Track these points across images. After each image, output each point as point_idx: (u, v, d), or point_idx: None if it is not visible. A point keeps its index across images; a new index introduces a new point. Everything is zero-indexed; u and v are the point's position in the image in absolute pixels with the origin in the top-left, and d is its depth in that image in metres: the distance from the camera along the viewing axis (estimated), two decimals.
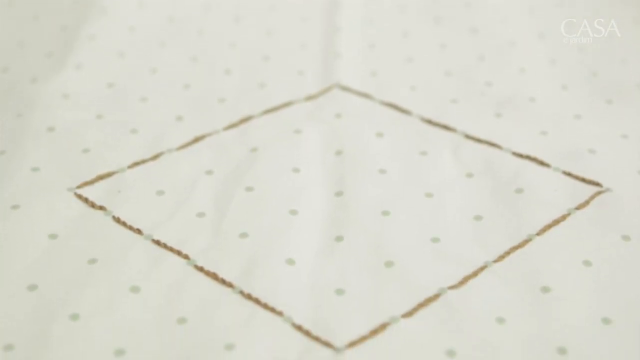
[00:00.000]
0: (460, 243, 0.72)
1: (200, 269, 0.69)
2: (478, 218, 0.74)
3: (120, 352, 0.63)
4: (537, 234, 0.73)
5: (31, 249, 0.71)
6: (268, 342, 0.64)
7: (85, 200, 0.75)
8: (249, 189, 0.77)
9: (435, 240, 0.72)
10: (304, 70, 0.93)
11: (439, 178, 0.79)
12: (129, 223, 0.73)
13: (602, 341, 0.64)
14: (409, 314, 0.66)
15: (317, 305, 0.67)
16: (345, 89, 0.90)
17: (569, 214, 0.75)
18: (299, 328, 0.65)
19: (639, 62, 0.95)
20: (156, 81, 0.91)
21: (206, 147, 0.82)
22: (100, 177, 0.78)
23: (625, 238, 0.72)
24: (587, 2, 1.04)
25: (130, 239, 0.72)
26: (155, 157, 0.81)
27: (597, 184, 0.78)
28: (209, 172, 0.79)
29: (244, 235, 0.72)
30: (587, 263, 0.70)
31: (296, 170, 0.79)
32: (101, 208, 0.75)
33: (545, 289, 0.68)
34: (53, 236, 0.72)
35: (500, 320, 0.65)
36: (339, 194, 0.77)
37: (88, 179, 0.78)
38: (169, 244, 0.71)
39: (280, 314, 0.66)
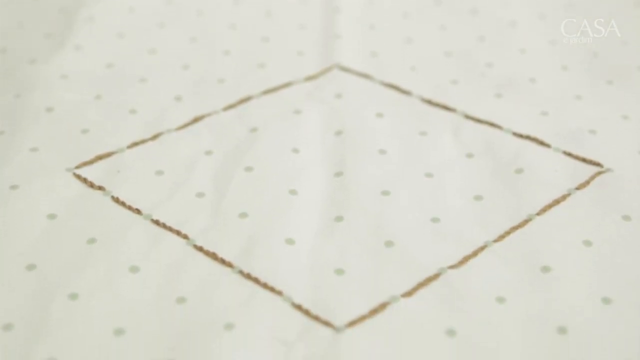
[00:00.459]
0: (460, 223, 0.72)
1: (200, 249, 0.69)
2: (478, 198, 0.74)
3: (119, 331, 0.63)
4: (538, 214, 0.73)
5: (30, 229, 0.71)
6: (268, 321, 0.64)
7: (84, 180, 0.75)
8: (249, 169, 0.77)
9: (435, 220, 0.72)
10: (303, 51, 0.93)
11: (439, 158, 0.79)
12: (128, 203, 0.73)
13: (602, 321, 0.64)
14: (408, 294, 0.66)
15: (317, 285, 0.67)
16: (345, 69, 0.90)
17: (569, 194, 0.74)
18: (298, 308, 0.65)
19: (639, 43, 0.95)
20: (155, 62, 0.91)
21: (205, 127, 0.82)
22: (99, 158, 0.78)
23: (626, 218, 0.72)
24: None
25: (129, 219, 0.72)
26: (154, 138, 0.80)
27: (598, 164, 0.77)
28: (209, 153, 0.79)
29: (243, 215, 0.72)
30: (587, 243, 0.70)
31: (296, 150, 0.79)
32: (100, 188, 0.75)
33: (546, 269, 0.68)
34: (52, 216, 0.72)
35: (500, 300, 0.65)
36: (338, 174, 0.77)
37: (87, 159, 0.78)
38: (168, 224, 0.71)
39: (279, 293, 0.66)
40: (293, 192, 0.75)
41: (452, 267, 0.68)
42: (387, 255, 0.69)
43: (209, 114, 0.83)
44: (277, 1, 1.00)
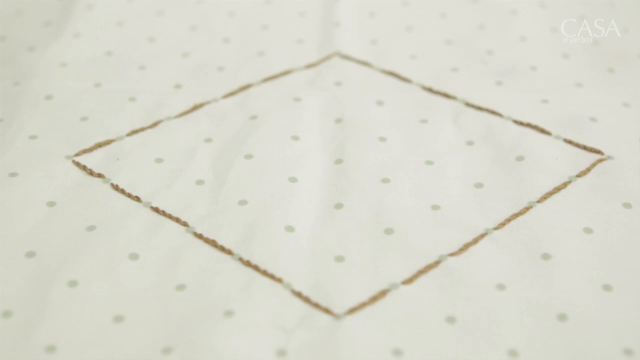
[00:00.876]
0: (461, 210, 0.72)
1: (200, 236, 0.69)
2: (479, 185, 0.74)
3: (119, 318, 0.63)
4: (538, 202, 0.72)
5: (29, 216, 0.71)
6: (267, 308, 0.64)
7: (84, 167, 0.75)
8: (248, 156, 0.77)
9: (435, 207, 0.72)
10: (303, 39, 0.92)
11: (439, 146, 0.79)
12: (127, 190, 0.73)
13: (603, 308, 0.64)
14: (409, 281, 0.66)
15: (317, 272, 0.67)
16: (345, 57, 0.90)
17: (569, 182, 0.74)
18: (298, 294, 0.65)
19: None
20: (155, 49, 0.91)
21: (205, 115, 0.82)
22: (99, 145, 0.78)
23: (626, 205, 0.72)
24: None
25: (128, 206, 0.72)
26: (154, 125, 0.80)
27: (598, 152, 0.77)
28: (208, 140, 0.79)
29: (243, 202, 0.72)
30: (587, 230, 0.70)
31: (296, 137, 0.79)
32: (99, 175, 0.75)
33: (546, 256, 0.68)
34: (51, 203, 0.72)
35: (501, 287, 0.65)
36: (338, 161, 0.77)
37: (86, 146, 0.77)
38: (167, 211, 0.71)
39: (279, 280, 0.66)
40: (293, 179, 0.75)
41: (452, 254, 0.68)
42: (387, 242, 0.69)
43: (208, 102, 0.83)
44: None
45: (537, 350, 0.61)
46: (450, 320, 0.63)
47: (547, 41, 0.93)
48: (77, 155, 0.77)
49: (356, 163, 0.76)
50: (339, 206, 0.72)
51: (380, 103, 0.83)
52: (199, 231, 0.70)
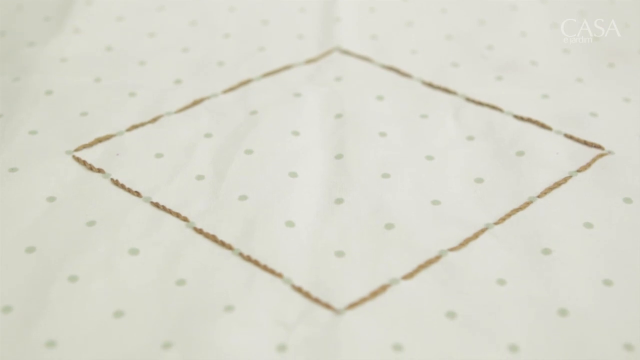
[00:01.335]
0: (461, 205, 0.72)
1: (200, 231, 0.69)
2: (479, 180, 0.74)
3: (119, 313, 0.63)
4: (538, 197, 0.72)
5: (29, 211, 0.71)
6: (268, 304, 0.64)
7: (84, 163, 0.75)
8: (249, 151, 0.77)
9: (435, 202, 0.72)
10: (303, 34, 0.92)
11: (439, 141, 0.78)
12: (127, 186, 0.73)
13: (603, 303, 0.64)
14: (409, 276, 0.66)
15: (317, 267, 0.67)
16: (345, 52, 0.90)
17: (570, 177, 0.74)
18: (298, 290, 0.65)
19: None
20: (155, 45, 0.91)
21: (205, 110, 0.82)
22: (99, 140, 0.78)
23: (627, 200, 0.72)
24: None
25: (129, 202, 0.72)
26: (154, 120, 0.80)
27: (599, 147, 0.77)
28: (208, 135, 0.79)
29: (243, 197, 0.72)
30: (588, 225, 0.70)
31: (296, 133, 0.79)
32: (100, 171, 0.74)
33: (546, 251, 0.68)
34: (51, 199, 0.72)
35: (501, 282, 0.65)
36: (339, 156, 0.76)
37: (86, 142, 0.77)
38: (168, 207, 0.71)
39: (280, 275, 0.66)
40: (293, 174, 0.74)
41: (452, 249, 0.68)
42: (388, 237, 0.69)
43: (208, 97, 0.83)
44: None
45: (538, 345, 0.61)
46: (451, 315, 0.63)
47: (548, 36, 0.93)
48: (77, 150, 0.76)
49: (356, 158, 0.76)
50: (339, 201, 0.72)
51: (380, 98, 0.83)
52: (199, 226, 0.70)
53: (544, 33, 0.93)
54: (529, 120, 0.80)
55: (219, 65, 0.88)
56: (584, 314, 0.63)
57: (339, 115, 0.81)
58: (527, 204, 0.72)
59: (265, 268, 0.66)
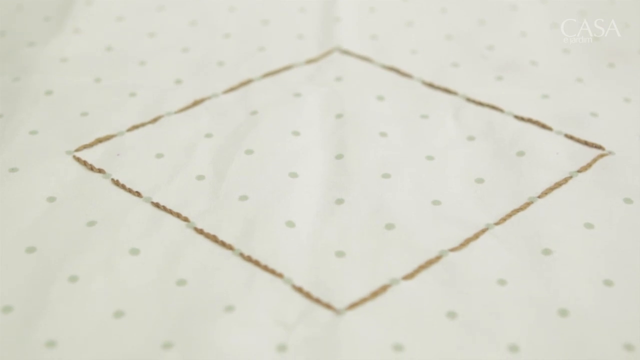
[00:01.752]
0: (462, 205, 0.72)
1: (200, 232, 0.69)
2: (479, 181, 0.74)
3: (119, 313, 0.63)
4: (539, 197, 0.72)
5: (30, 211, 0.71)
6: (268, 304, 0.64)
7: (84, 163, 0.75)
8: (249, 151, 0.77)
9: (436, 202, 0.72)
10: (303, 34, 0.92)
11: (440, 141, 0.78)
12: (128, 186, 0.73)
13: (604, 303, 0.64)
14: (409, 276, 0.66)
15: (318, 267, 0.67)
16: (345, 52, 0.90)
17: (570, 177, 0.74)
18: (299, 290, 0.65)
19: None
20: (155, 45, 0.91)
21: (205, 110, 0.82)
22: (99, 140, 0.78)
23: (627, 201, 0.72)
24: None
25: (129, 202, 0.72)
26: (154, 121, 0.80)
27: (599, 147, 0.77)
28: (209, 135, 0.79)
29: (243, 197, 0.72)
30: (588, 225, 0.70)
31: (296, 133, 0.79)
32: (100, 171, 0.74)
33: (547, 251, 0.68)
34: (52, 199, 0.72)
35: (502, 282, 0.65)
36: (339, 156, 0.76)
37: (87, 142, 0.77)
38: (168, 207, 0.71)
39: (280, 275, 0.66)
40: (293, 174, 0.74)
41: (453, 249, 0.68)
42: (388, 237, 0.69)
43: (209, 97, 0.83)
44: None
45: (538, 346, 0.61)
46: (451, 315, 0.63)
47: (548, 36, 0.93)
48: (77, 150, 0.76)
49: (357, 158, 0.76)
50: (339, 201, 0.72)
51: (380, 98, 0.83)
52: (199, 226, 0.69)
53: (544, 33, 0.93)
54: (529, 120, 0.80)
55: (219, 65, 0.88)
56: (584, 314, 0.63)
57: (339, 115, 0.81)
58: (528, 204, 0.72)
59: (265, 268, 0.66)
